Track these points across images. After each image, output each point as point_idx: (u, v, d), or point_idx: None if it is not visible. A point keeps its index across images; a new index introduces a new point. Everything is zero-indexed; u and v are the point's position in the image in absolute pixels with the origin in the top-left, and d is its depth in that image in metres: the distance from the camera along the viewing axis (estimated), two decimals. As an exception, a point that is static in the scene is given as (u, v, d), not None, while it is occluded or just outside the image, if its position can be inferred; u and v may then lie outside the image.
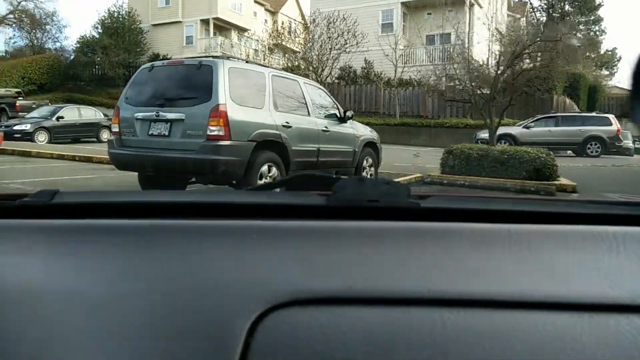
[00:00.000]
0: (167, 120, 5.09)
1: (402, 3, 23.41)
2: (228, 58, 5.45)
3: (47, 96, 23.72)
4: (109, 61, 25.68)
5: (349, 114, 6.74)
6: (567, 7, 37.02)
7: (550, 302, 0.51)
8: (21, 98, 20.59)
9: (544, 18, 34.01)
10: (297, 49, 22.13)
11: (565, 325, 0.49)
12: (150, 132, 5.18)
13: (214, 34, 27.82)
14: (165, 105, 5.14)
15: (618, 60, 40.16)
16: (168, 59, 5.64)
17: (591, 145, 16.27)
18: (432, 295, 0.52)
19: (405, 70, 20.86)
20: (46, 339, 0.49)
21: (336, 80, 21.97)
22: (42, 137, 15.13)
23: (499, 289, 0.53)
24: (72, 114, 16.58)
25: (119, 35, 26.23)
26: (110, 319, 0.50)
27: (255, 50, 25.99)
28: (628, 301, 0.51)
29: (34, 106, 18.64)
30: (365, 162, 7.07)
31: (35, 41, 34.94)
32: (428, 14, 23.25)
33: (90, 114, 17.32)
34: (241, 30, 29.29)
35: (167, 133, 5.08)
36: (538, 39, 11.10)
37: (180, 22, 28.06)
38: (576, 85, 22.32)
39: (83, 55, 26.72)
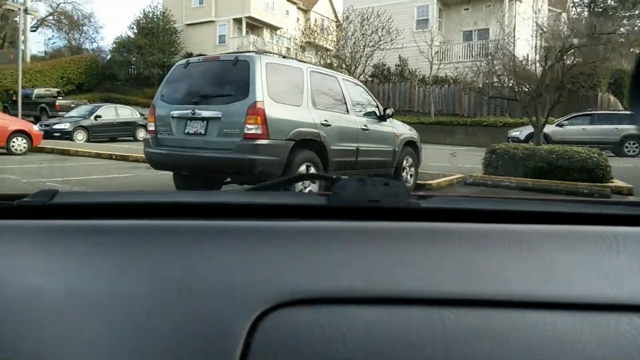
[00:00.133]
0: (203, 119, 4.94)
1: (438, -1, 22.89)
2: (265, 53, 5.24)
3: (86, 96, 24.27)
4: (144, 61, 26.05)
5: (389, 111, 6.46)
6: (609, 1, 35.54)
7: (550, 302, 0.51)
8: (60, 98, 21.09)
9: (586, 13, 32.78)
10: (330, 47, 21.90)
11: (565, 325, 0.49)
12: (186, 131, 5.04)
13: (247, 32, 27.88)
14: (201, 102, 4.99)
15: (665, 56, 38.26)
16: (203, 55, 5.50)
17: (629, 144, 15.46)
18: (432, 295, 0.52)
19: (440, 68, 20.32)
20: (46, 339, 0.48)
21: (369, 78, 21.61)
22: (80, 136, 15.39)
23: (499, 289, 0.53)
24: (110, 113, 16.82)
25: (154, 35, 26.56)
26: (109, 319, 0.50)
27: (288, 49, 25.89)
28: (628, 301, 0.51)
29: (72, 105, 19.03)
30: (405, 162, 6.77)
31: (73, 42, 35.86)
32: (465, 9, 22.60)
33: (127, 113, 17.54)
34: (273, 28, 29.26)
35: (203, 131, 4.93)
36: (586, 34, 10.54)
37: (213, 21, 28.24)
38: (620, 82, 21.25)
39: (119, 55, 27.19)
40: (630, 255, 0.59)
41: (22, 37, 22.66)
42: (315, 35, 22.32)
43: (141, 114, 17.70)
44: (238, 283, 0.54)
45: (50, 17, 35.15)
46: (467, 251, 0.59)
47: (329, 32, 22.39)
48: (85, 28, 36.04)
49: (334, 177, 0.79)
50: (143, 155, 5.80)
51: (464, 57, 21.58)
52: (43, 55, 32.88)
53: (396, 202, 0.69)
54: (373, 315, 0.50)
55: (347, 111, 5.82)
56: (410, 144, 6.89)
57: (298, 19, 30.56)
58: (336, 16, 30.94)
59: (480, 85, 19.74)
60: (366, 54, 19.31)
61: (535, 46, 14.96)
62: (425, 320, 0.49)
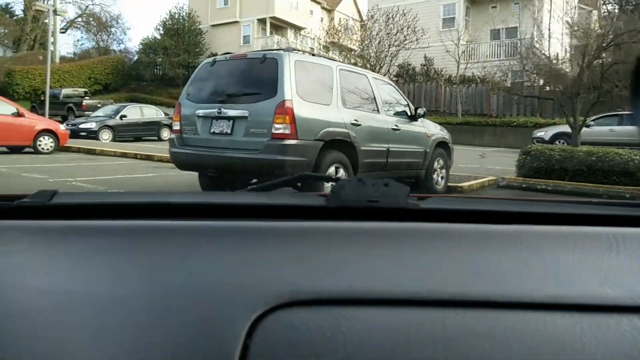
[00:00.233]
0: (229, 118, 4.79)
1: (465, -3, 22.42)
2: (294, 50, 5.06)
3: (112, 96, 24.57)
4: (169, 61, 26.27)
5: (420, 111, 6.21)
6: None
7: (551, 302, 0.51)
8: (87, 97, 21.36)
9: (616, 10, 31.80)
10: (354, 47, 21.64)
11: (565, 325, 0.49)
12: (212, 130, 4.90)
13: (270, 33, 27.85)
14: (228, 101, 4.84)
15: (702, 54, 36.92)
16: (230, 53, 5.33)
17: None
18: (432, 296, 0.51)
19: (468, 67, 19.87)
20: (45, 339, 0.48)
21: (394, 78, 21.26)
22: (106, 136, 15.49)
23: (499, 289, 0.53)
24: (135, 112, 16.90)
25: (179, 36, 26.76)
26: (108, 319, 0.50)
27: (312, 49, 25.74)
28: (628, 302, 0.51)
29: (99, 105, 19.23)
30: (436, 163, 6.51)
31: (101, 43, 36.52)
32: (493, 7, 22.09)
33: (151, 112, 17.61)
34: (297, 28, 29.16)
35: (229, 131, 4.77)
36: (624, 31, 10.07)
37: (237, 22, 28.29)
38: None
39: (145, 56, 27.49)
40: (630, 255, 0.58)
41: (51, 39, 23.06)
42: (340, 35, 22.09)
43: (166, 114, 17.79)
44: (237, 284, 0.53)
45: (79, 19, 35.86)
46: (467, 252, 0.59)
47: (354, 32, 22.12)
48: (112, 29, 36.70)
49: (333, 178, 0.76)
50: (167, 155, 5.69)
51: (491, 56, 21.09)
52: (72, 56, 33.51)
53: (395, 202, 0.68)
54: (372, 316, 0.49)
55: (378, 110, 5.60)
56: (441, 144, 6.63)
57: (322, 19, 30.40)
58: (360, 16, 30.67)
59: (509, 85, 19.27)
60: (391, 54, 18.99)
61: (567, 45, 14.44)
62: (425, 321, 0.49)
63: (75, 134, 14.21)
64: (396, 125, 5.76)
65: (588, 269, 0.56)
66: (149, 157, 10.62)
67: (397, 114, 5.97)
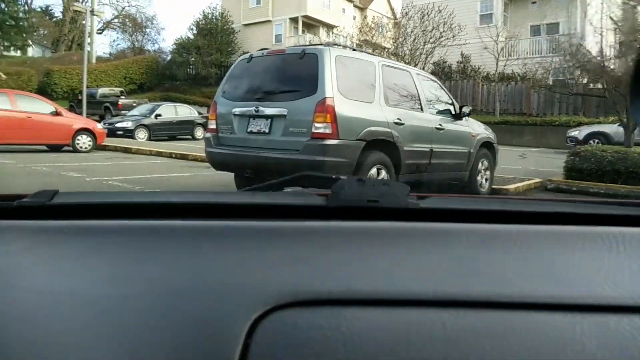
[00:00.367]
0: (267, 116, 4.61)
1: (504, -8, 21.73)
2: (334, 45, 4.84)
3: (147, 95, 24.94)
4: (202, 61, 26.48)
5: (465, 109, 5.90)
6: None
7: (551, 302, 0.51)
8: (123, 97, 21.71)
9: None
10: (387, 45, 21.27)
11: (565, 325, 0.48)
12: (249, 129, 4.73)
13: (303, 31, 27.74)
14: (265, 99, 4.66)
15: None
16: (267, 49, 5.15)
17: None
18: (432, 296, 0.51)
19: (506, 64, 19.22)
20: (45, 340, 0.48)
21: (429, 76, 20.82)
22: (141, 135, 15.64)
23: (499, 289, 0.52)
24: (169, 111, 17.03)
25: (212, 36, 26.94)
26: (108, 320, 0.50)
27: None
28: (628, 301, 0.50)
29: (134, 105, 19.50)
30: (480, 164, 6.18)
31: (136, 43, 37.24)
32: (533, 2, 21.32)
33: (185, 111, 17.72)
34: (329, 27, 28.94)
35: (267, 130, 4.59)
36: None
37: (270, 21, 28.29)
38: None
39: (179, 56, 27.79)
40: (630, 255, 0.58)
41: (88, 39, 23.56)
42: (373, 32, 21.75)
43: (199, 113, 17.87)
44: (237, 284, 0.53)
45: (116, 20, 36.63)
46: (467, 251, 0.59)
47: (387, 30, 21.75)
48: (147, 30, 37.37)
49: (333, 177, 0.79)
50: (201, 154, 5.56)
51: (532, 52, 20.36)
52: (108, 56, 34.27)
53: (395, 202, 0.69)
54: (372, 316, 0.49)
55: (421, 109, 5.32)
56: (486, 145, 6.30)
57: (354, 17, 30.09)
58: (393, 13, 30.23)
59: (551, 82, 18.53)
60: (426, 51, 18.57)
61: (611, 41, 13.74)
62: (425, 321, 0.49)
63: (112, 132, 14.41)
64: (440, 125, 5.47)
65: (588, 269, 0.56)
66: (183, 157, 10.60)
67: (440, 112, 5.68)
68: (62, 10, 35.55)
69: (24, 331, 0.49)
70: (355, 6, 31.41)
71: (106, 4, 35.02)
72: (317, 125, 4.23)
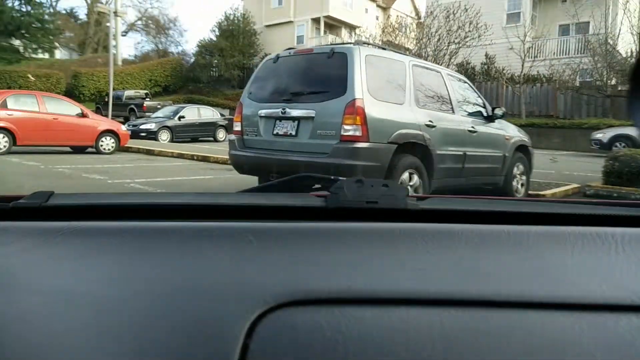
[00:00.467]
0: (294, 118, 4.44)
1: (531, -10, 21.21)
2: (364, 44, 4.65)
3: (170, 97, 25.11)
4: (225, 63, 26.53)
5: (498, 111, 5.65)
6: None
7: (550, 302, 0.50)
8: (148, 99, 21.90)
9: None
10: (410, 46, 20.94)
11: (565, 325, 0.48)
12: (275, 132, 4.57)
13: (324, 32, 27.58)
14: (293, 100, 4.49)
15: None
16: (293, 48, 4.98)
17: None
18: (431, 296, 0.51)
19: (533, 65, 18.71)
20: (43, 340, 0.48)
21: (453, 77, 20.41)
22: (164, 136, 15.69)
23: (499, 289, 0.52)
24: (192, 113, 17.07)
25: (234, 37, 26.97)
26: (107, 320, 0.50)
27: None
28: (628, 301, 0.50)
29: (159, 107, 19.62)
30: (515, 169, 5.92)
31: (160, 45, 37.63)
32: (563, 1, 20.75)
33: (208, 113, 17.74)
34: (352, 27, 28.71)
35: (294, 133, 4.43)
36: None
37: (291, 22, 28.21)
38: None
39: (202, 58, 27.92)
40: (630, 255, 0.58)
41: (113, 42, 23.83)
42: (396, 33, 21.45)
43: (221, 114, 17.85)
44: (236, 284, 0.53)
45: (139, 22, 37.09)
46: (466, 252, 0.59)
47: (411, 30, 21.43)
48: (170, 32, 37.72)
49: (333, 178, 0.80)
50: (223, 157, 5.42)
51: (559, 53, 19.81)
52: (133, 58, 34.72)
53: (394, 203, 0.69)
54: (372, 316, 0.49)
55: (453, 111, 5.09)
56: (521, 148, 6.02)
57: (377, 17, 29.80)
58: (417, 13, 29.86)
59: (578, 84, 17.98)
60: (450, 52, 18.18)
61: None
62: (424, 321, 0.49)
63: (136, 134, 14.48)
64: (472, 127, 5.23)
65: (588, 269, 0.56)
66: (205, 159, 10.54)
67: (472, 114, 5.44)
68: (86, 12, 36.19)
69: (23, 331, 0.49)
70: (378, 6, 31.13)
71: (129, 6, 35.51)
72: (346, 127, 4.05)
